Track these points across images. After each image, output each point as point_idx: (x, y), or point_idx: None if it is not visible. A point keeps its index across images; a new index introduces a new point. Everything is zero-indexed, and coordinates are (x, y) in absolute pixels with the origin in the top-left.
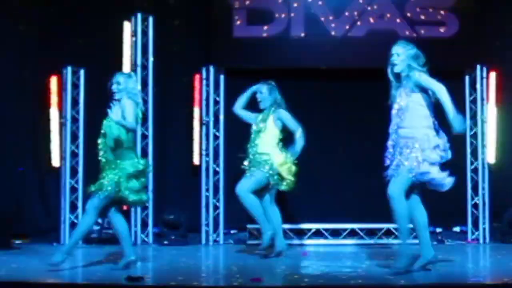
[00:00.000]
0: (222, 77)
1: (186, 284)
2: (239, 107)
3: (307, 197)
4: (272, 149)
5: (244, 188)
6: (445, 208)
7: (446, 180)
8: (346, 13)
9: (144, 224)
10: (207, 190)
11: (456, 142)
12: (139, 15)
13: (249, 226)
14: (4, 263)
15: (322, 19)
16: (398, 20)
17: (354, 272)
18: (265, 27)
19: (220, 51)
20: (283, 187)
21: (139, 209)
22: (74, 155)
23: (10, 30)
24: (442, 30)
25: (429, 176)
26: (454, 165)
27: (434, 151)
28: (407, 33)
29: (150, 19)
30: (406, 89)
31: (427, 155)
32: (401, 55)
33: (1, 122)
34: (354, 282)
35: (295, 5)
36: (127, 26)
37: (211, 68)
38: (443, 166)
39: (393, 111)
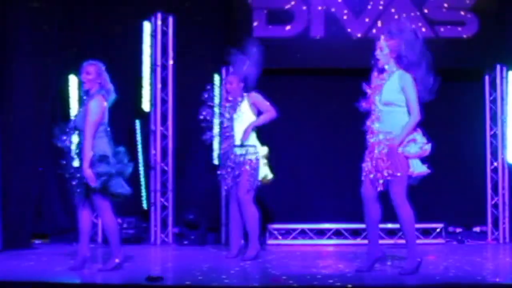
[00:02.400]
0: None
1: (206, 284)
2: None
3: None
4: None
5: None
6: (465, 208)
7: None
8: (366, 14)
9: (164, 224)
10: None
11: (476, 141)
12: (159, 15)
13: (270, 226)
14: (24, 263)
15: (342, 19)
16: (417, 20)
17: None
18: (285, 27)
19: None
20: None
21: (159, 209)
22: None
23: (32, 30)
24: (461, 30)
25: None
26: (474, 165)
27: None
28: (427, 33)
29: (170, 19)
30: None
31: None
32: (385, 50)
33: (21, 122)
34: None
35: (315, 5)
36: (147, 26)
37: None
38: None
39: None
